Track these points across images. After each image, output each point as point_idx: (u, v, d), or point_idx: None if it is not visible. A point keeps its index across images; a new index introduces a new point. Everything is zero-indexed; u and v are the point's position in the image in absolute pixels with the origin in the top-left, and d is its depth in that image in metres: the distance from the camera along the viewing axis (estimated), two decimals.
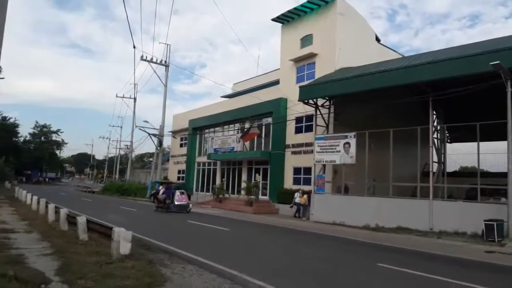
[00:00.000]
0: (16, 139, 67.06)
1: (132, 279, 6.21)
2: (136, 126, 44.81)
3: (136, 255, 7.92)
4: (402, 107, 19.85)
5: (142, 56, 37.17)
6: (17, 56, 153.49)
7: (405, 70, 17.46)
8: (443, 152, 21.67)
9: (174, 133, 42.43)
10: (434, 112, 20.68)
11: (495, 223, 14.05)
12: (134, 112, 51.49)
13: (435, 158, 20.01)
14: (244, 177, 30.35)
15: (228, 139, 32.26)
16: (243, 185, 28.75)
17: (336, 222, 19.48)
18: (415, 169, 18.61)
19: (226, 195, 30.36)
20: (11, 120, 65.30)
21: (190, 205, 24.26)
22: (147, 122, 57.58)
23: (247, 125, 31.34)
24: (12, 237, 9.78)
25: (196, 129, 37.92)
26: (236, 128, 33.14)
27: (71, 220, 11.23)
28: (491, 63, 13.60)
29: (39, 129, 77.11)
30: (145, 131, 39.48)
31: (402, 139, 19.48)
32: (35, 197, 18.23)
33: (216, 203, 29.28)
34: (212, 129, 36.26)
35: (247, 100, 30.71)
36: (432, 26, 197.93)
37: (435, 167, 19.38)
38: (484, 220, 14.38)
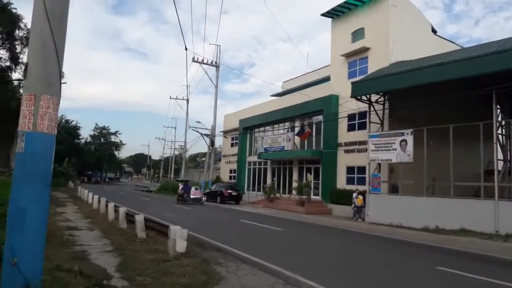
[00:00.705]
0: (78, 141, 71.30)
1: (188, 277, 6.36)
2: (189, 127, 45.99)
3: (192, 253, 8.12)
4: (462, 101, 18.79)
5: (193, 58, 38.11)
6: (76, 61, 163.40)
7: (465, 62, 16.47)
8: (509, 149, 20.22)
9: (225, 133, 43.09)
10: (498, 106, 19.36)
11: None
12: (187, 113, 52.98)
13: (500, 156, 18.73)
14: (295, 176, 30.20)
15: (278, 138, 32.27)
16: (294, 184, 28.60)
17: (393, 224, 18.83)
18: (478, 167, 17.52)
19: (277, 195, 30.38)
20: (73, 123, 69.57)
21: (203, 198, 29.79)
22: (200, 122, 59.53)
23: (297, 124, 31.18)
24: (76, 234, 10.40)
25: (247, 129, 38.26)
26: (286, 127, 33.02)
27: (130, 219, 11.72)
28: None
29: (98, 131, 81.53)
30: (197, 132, 40.49)
31: (463, 136, 18.46)
32: (96, 196, 19.26)
33: (267, 202, 29.39)
34: (262, 128, 36.40)
35: (297, 98, 30.51)
36: (494, 14, 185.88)
37: (500, 165, 18.13)
38: None
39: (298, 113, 30.56)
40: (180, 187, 30.13)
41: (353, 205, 22.11)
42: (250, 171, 37.18)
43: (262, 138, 34.33)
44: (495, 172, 16.58)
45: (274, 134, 33.84)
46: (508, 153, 19.98)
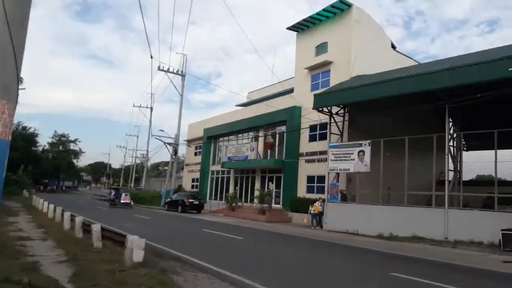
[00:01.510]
0: (35, 149, 68.29)
1: (144, 287, 6.26)
2: (152, 135, 45.33)
3: (149, 263, 7.99)
4: (418, 114, 19.65)
5: (159, 66, 37.75)
6: (39, 67, 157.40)
7: (421, 77, 17.31)
8: (459, 160, 21.30)
9: (189, 142, 42.78)
10: (451, 120, 20.41)
11: None
12: (150, 121, 52.15)
13: (451, 166, 19.70)
14: (257, 185, 30.39)
15: (242, 147, 32.38)
16: (256, 193, 28.76)
17: (349, 231, 19.30)
18: (431, 177, 18.34)
19: (239, 204, 30.41)
20: (31, 130, 66.62)
21: (132, 202, 34.93)
22: (163, 131, 58.22)
23: (261, 134, 31.48)
24: (27, 245, 9.97)
25: (211, 138, 38.16)
26: (250, 137, 33.27)
27: (86, 228, 11.38)
28: (510, 69, 13.48)
29: (57, 138, 78.46)
30: (160, 140, 39.93)
31: (418, 147, 19.27)
32: (51, 205, 18.54)
33: (229, 211, 29.34)
34: (226, 138, 36.49)
35: (261, 109, 30.86)
36: (449, 33, 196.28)
37: (451, 175, 19.06)
38: (502, 230, 14.08)
39: (262, 123, 30.87)
40: (112, 193, 36.26)
41: (309, 213, 22.54)
42: (213, 180, 37.03)
43: (226, 147, 34.35)
44: (446, 182, 17.44)
45: (238, 143, 33.96)
46: (459, 164, 21.00)
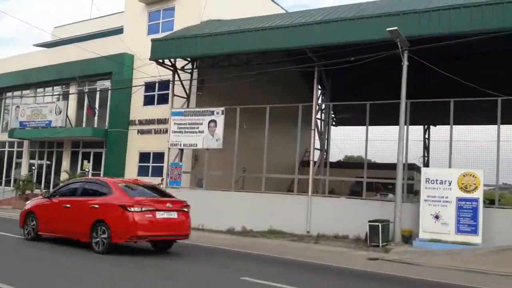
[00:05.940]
0: None
1: None
2: None
3: None
4: (286, 79, 21.14)
5: None
6: None
7: (288, 30, 18.63)
8: (326, 137, 23.67)
9: None
10: (320, 87, 22.49)
11: (380, 224, 15.93)
12: None
13: (318, 145, 21.90)
14: (65, 165, 29.54)
15: (42, 108, 30.64)
16: (64, 176, 27.79)
17: (193, 226, 20.14)
18: (295, 157, 20.13)
19: (37, 191, 29.06)
20: None
21: None
22: None
23: (73, 89, 30.25)
24: None
25: None
26: (57, 94, 31.65)
27: None
28: (388, 29, 15.00)
29: None
30: None
31: (283, 120, 20.92)
32: None
33: (21, 202, 27.74)
34: (18, 93, 34.50)
35: (75, 53, 29.27)
36: None
37: (317, 155, 21.11)
38: (369, 221, 16.28)
39: (76, 74, 29.49)
40: None
41: None
42: None
43: (17, 107, 32.25)
44: (311, 163, 19.44)
45: (37, 102, 32.22)
46: (326, 141, 23.39)
